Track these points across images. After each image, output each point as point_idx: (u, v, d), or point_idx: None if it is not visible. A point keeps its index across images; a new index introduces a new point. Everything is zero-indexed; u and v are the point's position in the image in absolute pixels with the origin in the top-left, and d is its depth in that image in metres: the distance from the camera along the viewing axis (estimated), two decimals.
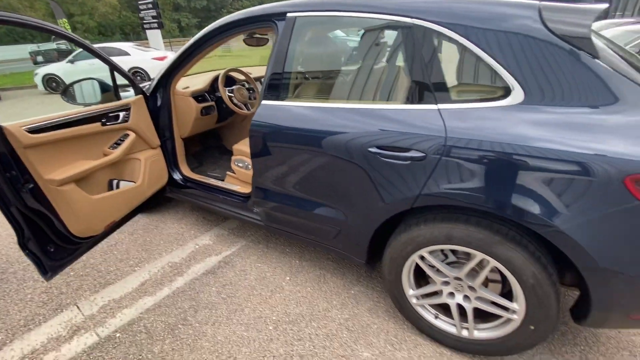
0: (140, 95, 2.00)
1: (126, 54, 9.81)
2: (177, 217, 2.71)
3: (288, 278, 2.00)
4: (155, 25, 12.51)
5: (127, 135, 1.86)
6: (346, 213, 1.53)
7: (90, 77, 1.91)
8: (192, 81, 2.57)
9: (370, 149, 1.33)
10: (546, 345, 1.53)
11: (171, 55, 2.61)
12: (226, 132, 3.09)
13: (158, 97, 2.19)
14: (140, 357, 1.55)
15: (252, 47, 2.47)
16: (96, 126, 1.68)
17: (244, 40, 2.44)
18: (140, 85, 2.13)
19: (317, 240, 1.77)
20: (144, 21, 12.82)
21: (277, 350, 1.55)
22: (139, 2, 12.31)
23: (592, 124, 1.02)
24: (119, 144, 1.81)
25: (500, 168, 1.10)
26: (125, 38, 32.98)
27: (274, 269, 2.07)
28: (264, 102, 1.63)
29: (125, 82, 1.96)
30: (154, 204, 2.80)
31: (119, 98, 1.91)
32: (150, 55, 9.95)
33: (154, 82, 2.14)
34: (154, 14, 12.42)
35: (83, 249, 1.72)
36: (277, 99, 1.60)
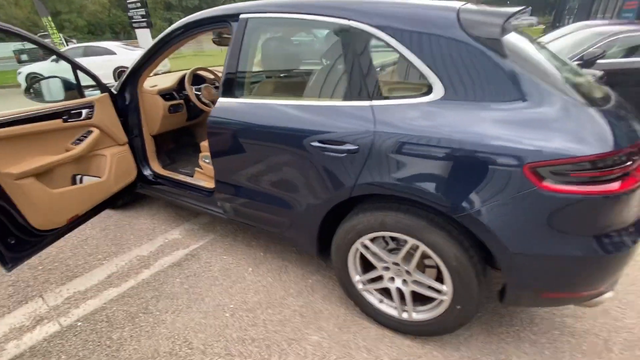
0: (106, 94, 2.06)
1: (112, 53, 9.80)
2: (151, 213, 2.77)
3: (250, 269, 2.07)
4: (145, 24, 12.42)
5: (90, 132, 1.92)
6: (296, 204, 1.62)
7: (54, 75, 1.96)
8: (162, 80, 2.63)
9: (312, 143, 1.41)
10: (484, 327, 1.63)
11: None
12: (199, 130, 3.15)
13: (126, 96, 2.25)
14: (99, 343, 1.61)
15: (225, 46, 2.54)
16: (57, 123, 1.73)
17: (213, 41, 2.51)
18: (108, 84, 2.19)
19: (274, 231, 1.85)
20: (133, 20, 12.73)
21: (231, 335, 1.63)
22: (128, 1, 12.23)
23: (499, 119, 1.11)
24: (82, 140, 1.87)
25: (418, 158, 1.20)
26: (116, 37, 32.67)
27: (238, 261, 2.15)
28: (220, 99, 1.71)
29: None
30: (130, 200, 2.87)
31: (82, 96, 1.97)
32: (137, 55, 9.93)
33: (121, 81, 2.21)
34: (143, 12, 12.33)
35: (47, 242, 1.78)
36: (232, 96, 1.68)
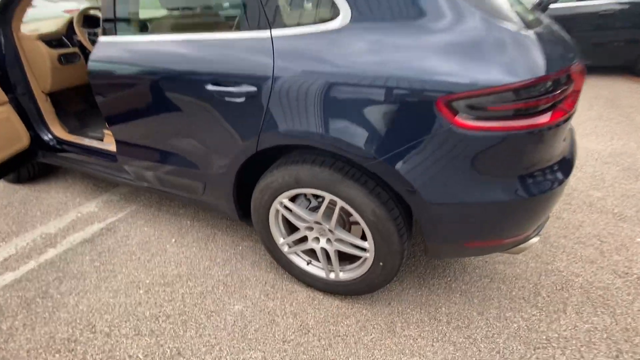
0: None
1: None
2: (64, 185, 2.44)
3: (174, 240, 1.87)
4: None
5: None
6: (204, 164, 1.40)
7: None
8: (47, 24, 2.17)
9: (207, 87, 1.17)
10: (417, 280, 1.57)
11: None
12: None
13: None
14: None
15: None
16: None
17: None
18: None
19: (191, 197, 1.64)
20: None
21: (143, 314, 1.45)
22: None
23: (408, 44, 0.92)
24: None
25: (323, 98, 1.00)
26: None
27: (160, 232, 1.93)
28: (100, 38, 1.39)
29: None
30: (40, 171, 2.49)
31: None
32: (61, 8, 8.62)
33: None
34: None
35: None
36: (113, 33, 1.36)
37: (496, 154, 0.95)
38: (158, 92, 1.30)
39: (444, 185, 0.99)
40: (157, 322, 1.42)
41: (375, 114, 0.96)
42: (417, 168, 0.98)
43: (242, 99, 1.12)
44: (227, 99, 1.14)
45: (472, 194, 1.00)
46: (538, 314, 1.41)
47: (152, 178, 1.66)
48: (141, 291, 1.56)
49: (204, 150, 1.34)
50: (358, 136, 0.99)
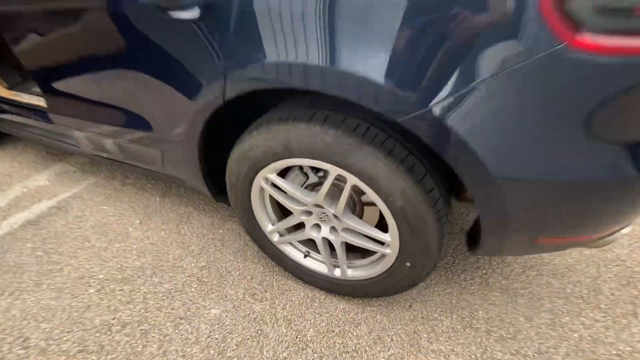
0: None
1: None
2: (12, 155, 2.03)
3: (138, 222, 1.51)
4: None
5: None
6: (154, 122, 1.00)
7: None
8: None
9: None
10: (443, 273, 1.24)
11: None
12: None
13: None
14: None
15: None
16: None
17: None
18: None
19: (151, 169, 1.25)
20: None
21: (92, 322, 1.12)
22: None
23: None
24: None
25: (327, 6, 0.59)
26: None
27: (122, 212, 1.57)
28: None
29: None
30: None
31: None
32: None
33: None
34: None
35: None
36: None
37: (623, 100, 0.56)
38: (78, 13, 0.87)
39: (525, 152, 0.61)
40: (109, 333, 1.09)
41: (418, 33, 0.55)
42: (487, 125, 0.59)
43: (194, 13, 0.69)
44: (172, 14, 0.72)
45: (567, 169, 0.63)
46: (602, 319, 1.09)
47: (97, 143, 1.26)
48: (92, 290, 1.22)
49: (151, 103, 0.94)
50: (386, 71, 0.58)
